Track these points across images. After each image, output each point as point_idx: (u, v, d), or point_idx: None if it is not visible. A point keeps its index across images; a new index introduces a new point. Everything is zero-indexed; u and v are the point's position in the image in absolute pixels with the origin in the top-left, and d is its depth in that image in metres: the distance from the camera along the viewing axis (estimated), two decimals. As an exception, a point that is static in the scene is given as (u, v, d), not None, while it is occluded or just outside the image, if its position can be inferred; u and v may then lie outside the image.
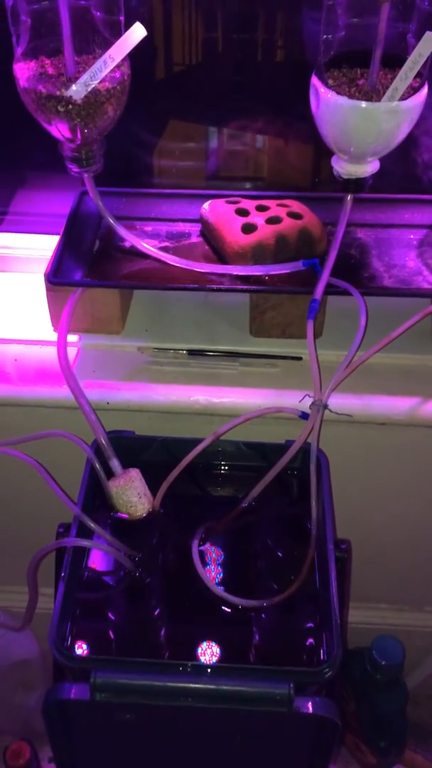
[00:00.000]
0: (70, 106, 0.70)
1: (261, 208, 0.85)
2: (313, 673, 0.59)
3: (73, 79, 0.70)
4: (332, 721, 0.57)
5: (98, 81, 0.69)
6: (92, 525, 0.68)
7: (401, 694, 1.05)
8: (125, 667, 0.59)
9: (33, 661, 1.08)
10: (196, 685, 0.57)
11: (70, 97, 0.69)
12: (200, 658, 0.63)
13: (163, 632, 0.67)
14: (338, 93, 0.69)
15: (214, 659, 0.63)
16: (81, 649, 0.64)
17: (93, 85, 0.69)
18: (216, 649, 0.65)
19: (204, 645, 0.65)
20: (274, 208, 0.85)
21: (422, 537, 0.98)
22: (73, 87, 0.69)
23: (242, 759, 0.64)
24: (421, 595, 1.07)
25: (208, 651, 0.64)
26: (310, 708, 0.57)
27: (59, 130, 0.73)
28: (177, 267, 0.82)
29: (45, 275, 0.81)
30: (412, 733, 1.13)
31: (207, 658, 0.63)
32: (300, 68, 0.88)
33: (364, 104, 0.68)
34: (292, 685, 0.57)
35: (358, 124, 0.69)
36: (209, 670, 0.59)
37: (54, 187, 1.02)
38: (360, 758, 1.14)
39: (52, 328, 0.86)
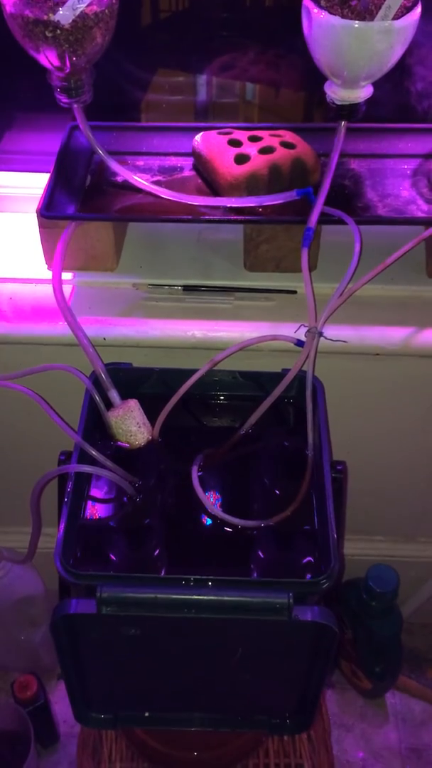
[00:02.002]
0: (58, 32, 0.69)
1: (254, 139, 0.84)
2: (312, 583, 0.61)
3: (60, 4, 0.68)
4: (330, 628, 0.59)
5: (86, 4, 0.68)
6: (93, 452, 0.69)
7: (396, 621, 1.08)
8: (130, 581, 0.60)
9: (37, 597, 1.10)
10: (200, 597, 0.59)
11: (58, 21, 0.68)
12: (201, 574, 0.65)
13: (164, 555, 0.68)
14: (331, 13, 0.68)
15: (215, 575, 0.64)
16: (84, 568, 0.65)
17: (80, 9, 0.68)
18: (216, 567, 0.66)
19: (205, 562, 0.66)
20: (267, 138, 0.84)
21: (416, 468, 1.00)
22: (61, 11, 0.68)
23: (244, 668, 0.66)
24: (415, 526, 1.09)
25: (209, 568, 0.66)
26: (309, 616, 0.59)
27: (47, 57, 0.72)
28: (170, 201, 0.81)
29: (37, 211, 0.81)
30: (406, 660, 1.17)
31: (208, 574, 0.64)
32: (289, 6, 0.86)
33: (357, 24, 0.67)
34: (291, 594, 0.58)
35: (351, 45, 0.68)
36: (211, 583, 0.61)
37: (42, 128, 1.00)
38: (356, 684, 1.18)
39: (46, 267, 0.85)
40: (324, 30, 0.69)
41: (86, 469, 0.69)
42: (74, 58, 0.72)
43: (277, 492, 0.72)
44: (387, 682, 1.16)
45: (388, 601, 1.05)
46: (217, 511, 0.69)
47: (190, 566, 0.68)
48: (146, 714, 0.75)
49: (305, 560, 0.67)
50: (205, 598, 0.59)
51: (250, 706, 0.75)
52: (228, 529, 0.69)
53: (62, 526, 0.64)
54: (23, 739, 1.05)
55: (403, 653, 1.14)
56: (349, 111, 0.75)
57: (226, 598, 0.58)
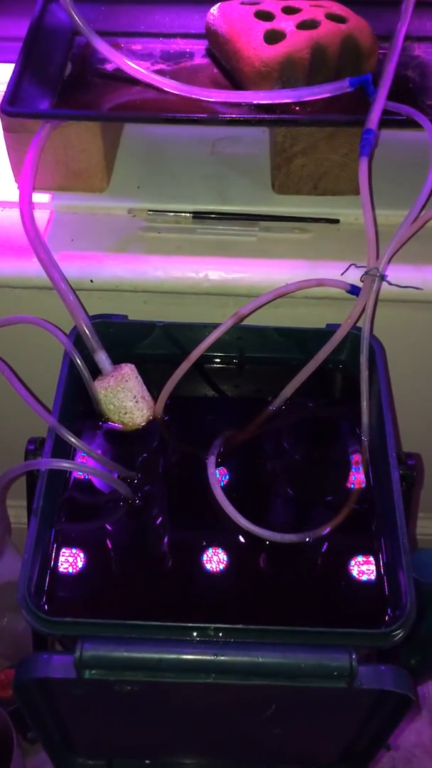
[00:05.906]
0: None
1: (290, 11, 0.70)
2: (379, 636, 0.45)
3: None
4: (405, 697, 0.43)
5: None
6: (73, 440, 0.55)
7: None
8: (123, 631, 0.44)
9: (19, 583, 0.99)
10: (220, 658, 0.43)
11: None
12: (222, 617, 0.49)
13: (171, 581, 0.54)
14: None
15: (242, 619, 0.48)
16: (62, 607, 0.50)
17: None
18: (243, 603, 0.51)
19: (227, 599, 0.52)
20: (308, 9, 0.70)
21: None
22: None
23: (278, 724, 0.52)
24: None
25: (233, 607, 0.51)
26: (377, 682, 0.43)
27: None
28: (176, 96, 0.68)
29: (0, 108, 0.67)
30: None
31: (231, 618, 0.48)
32: None
33: None
34: (354, 656, 0.42)
35: None
36: (236, 635, 0.44)
37: (11, 11, 0.85)
38: (387, 678, 1.06)
39: (16, 184, 0.72)
40: None
41: (63, 465, 0.55)
42: None
43: (322, 491, 0.59)
44: (424, 676, 1.06)
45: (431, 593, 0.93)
46: (246, 523, 0.53)
47: (206, 595, 0.53)
48: (147, 762, 0.61)
49: (364, 589, 0.51)
50: (228, 659, 0.42)
51: (280, 756, 0.61)
52: (243, 540, 0.54)
53: (29, 548, 0.48)
54: (5, 740, 0.96)
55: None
56: (423, -33, 0.61)
57: (259, 660, 0.42)
